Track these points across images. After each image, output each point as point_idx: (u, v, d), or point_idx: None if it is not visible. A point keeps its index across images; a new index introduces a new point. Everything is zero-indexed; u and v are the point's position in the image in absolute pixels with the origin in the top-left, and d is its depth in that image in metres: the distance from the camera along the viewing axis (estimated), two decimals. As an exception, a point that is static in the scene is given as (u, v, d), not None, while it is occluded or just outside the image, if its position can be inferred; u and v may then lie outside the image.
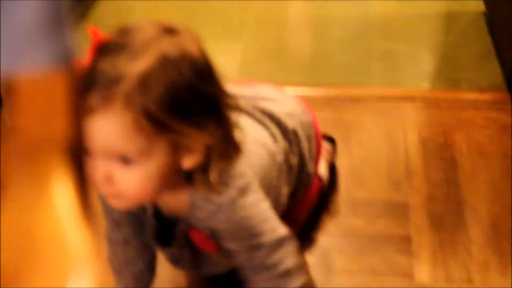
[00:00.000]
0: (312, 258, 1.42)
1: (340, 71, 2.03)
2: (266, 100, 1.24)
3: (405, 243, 1.47)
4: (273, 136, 1.17)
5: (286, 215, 1.20)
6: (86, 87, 0.88)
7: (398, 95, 1.93)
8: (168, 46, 0.92)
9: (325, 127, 1.65)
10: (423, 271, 1.41)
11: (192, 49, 0.94)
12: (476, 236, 1.47)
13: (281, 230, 1.09)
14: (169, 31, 0.95)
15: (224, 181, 1.01)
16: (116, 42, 0.93)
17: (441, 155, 1.69)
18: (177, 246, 1.14)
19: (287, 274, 1.08)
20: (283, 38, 2.24)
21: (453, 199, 1.58)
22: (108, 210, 1.12)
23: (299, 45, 2.25)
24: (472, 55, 2.06)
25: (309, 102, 1.92)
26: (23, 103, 0.64)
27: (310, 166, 1.30)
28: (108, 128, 0.90)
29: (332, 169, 1.57)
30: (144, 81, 0.89)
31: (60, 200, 0.66)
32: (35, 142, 0.66)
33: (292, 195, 1.28)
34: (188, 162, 0.98)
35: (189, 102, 0.93)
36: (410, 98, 1.91)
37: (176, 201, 1.06)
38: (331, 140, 1.59)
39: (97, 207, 1.10)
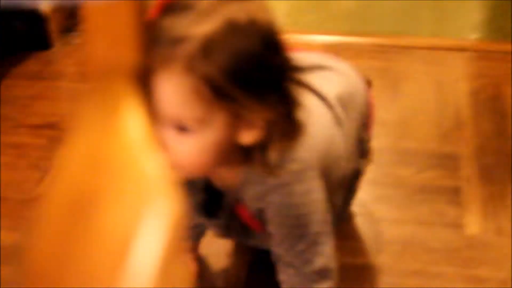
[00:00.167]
0: (359, 207, 1.41)
1: (388, 20, 1.99)
2: (326, 71, 1.18)
3: (454, 194, 1.45)
4: (337, 117, 1.11)
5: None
6: (149, 45, 0.82)
7: (448, 45, 1.89)
8: (237, 11, 0.86)
9: (372, 77, 1.62)
10: (473, 223, 1.39)
11: (261, 16, 0.88)
12: (527, 189, 1.45)
13: (326, 226, 1.04)
14: None
15: (281, 164, 0.96)
16: (183, 1, 0.87)
17: (492, 107, 1.66)
18: (224, 218, 1.10)
19: (318, 273, 1.04)
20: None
21: (503, 151, 1.55)
22: None
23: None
24: (525, 5, 2.01)
25: (356, 51, 1.91)
26: (91, 31, 0.63)
27: (365, 135, 1.25)
28: (166, 91, 0.85)
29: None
30: (208, 45, 0.84)
31: (132, 127, 0.65)
32: (104, 69, 0.66)
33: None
34: (247, 137, 0.92)
35: (254, 73, 0.87)
36: (460, 49, 1.88)
37: (229, 175, 1.02)
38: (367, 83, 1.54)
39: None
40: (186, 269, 0.72)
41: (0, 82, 1.82)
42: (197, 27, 0.84)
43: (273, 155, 0.94)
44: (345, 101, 1.14)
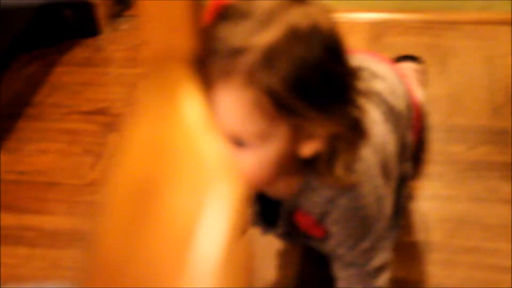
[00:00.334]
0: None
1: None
2: (374, 75, 1.14)
3: (506, 170, 1.44)
4: (384, 113, 1.08)
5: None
6: (205, 56, 0.79)
7: (496, 19, 1.86)
8: (298, 17, 0.81)
9: (421, 53, 1.62)
10: (527, 198, 1.37)
11: (324, 21, 0.83)
12: None
13: (387, 220, 1.02)
14: None
15: (349, 167, 0.91)
16: (239, 7, 0.82)
17: (544, 81, 1.64)
18: (283, 226, 1.05)
19: (379, 269, 1.01)
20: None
21: (557, 126, 1.53)
22: None
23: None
24: None
25: (404, 28, 1.90)
26: (147, 16, 0.64)
27: (409, 139, 1.22)
28: (226, 105, 0.80)
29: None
30: (270, 55, 0.79)
31: (191, 113, 0.66)
32: (160, 55, 0.66)
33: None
34: (308, 149, 0.88)
35: (317, 83, 0.82)
36: (508, 23, 1.85)
37: (285, 185, 0.97)
38: (414, 59, 1.53)
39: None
40: (249, 254, 0.72)
41: (51, 70, 1.85)
42: (258, 36, 0.79)
43: (339, 166, 0.90)
44: (386, 103, 1.11)
